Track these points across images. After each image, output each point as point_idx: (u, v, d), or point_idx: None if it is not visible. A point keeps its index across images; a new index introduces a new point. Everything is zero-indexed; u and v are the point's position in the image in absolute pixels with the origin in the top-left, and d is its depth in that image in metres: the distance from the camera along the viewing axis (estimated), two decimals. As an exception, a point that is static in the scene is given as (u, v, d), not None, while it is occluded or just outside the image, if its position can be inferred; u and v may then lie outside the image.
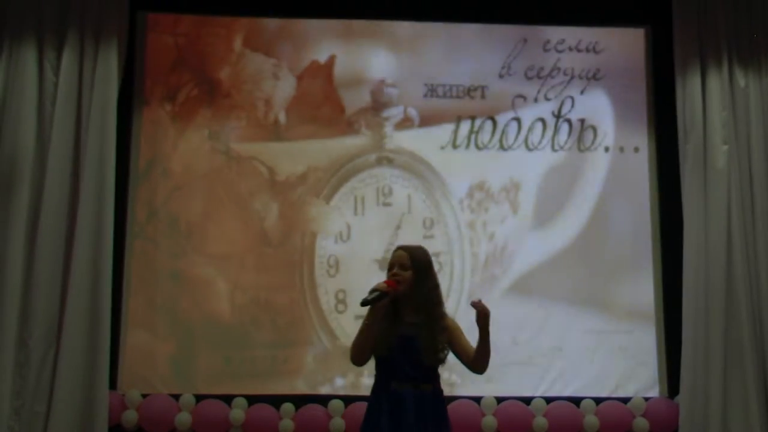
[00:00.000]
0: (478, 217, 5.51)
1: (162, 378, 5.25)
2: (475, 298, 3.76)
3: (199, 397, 5.16)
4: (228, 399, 5.15)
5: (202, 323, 5.32)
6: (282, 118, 5.53)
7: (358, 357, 3.79)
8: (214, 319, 5.33)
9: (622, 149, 5.63)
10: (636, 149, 5.63)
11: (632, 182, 5.61)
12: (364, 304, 3.66)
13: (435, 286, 3.89)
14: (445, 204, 5.52)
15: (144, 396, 5.16)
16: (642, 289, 5.47)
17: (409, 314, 3.81)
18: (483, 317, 3.68)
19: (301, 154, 5.51)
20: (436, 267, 5.23)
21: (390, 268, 3.85)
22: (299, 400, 5.12)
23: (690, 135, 5.37)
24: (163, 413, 5.10)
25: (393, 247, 5.16)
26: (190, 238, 5.41)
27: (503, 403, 5.20)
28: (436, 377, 3.86)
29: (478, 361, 3.80)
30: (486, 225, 5.51)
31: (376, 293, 3.67)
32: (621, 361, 5.37)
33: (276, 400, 5.13)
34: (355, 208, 5.49)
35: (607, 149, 5.62)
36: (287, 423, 5.08)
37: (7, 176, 5.11)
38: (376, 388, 3.84)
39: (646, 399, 5.27)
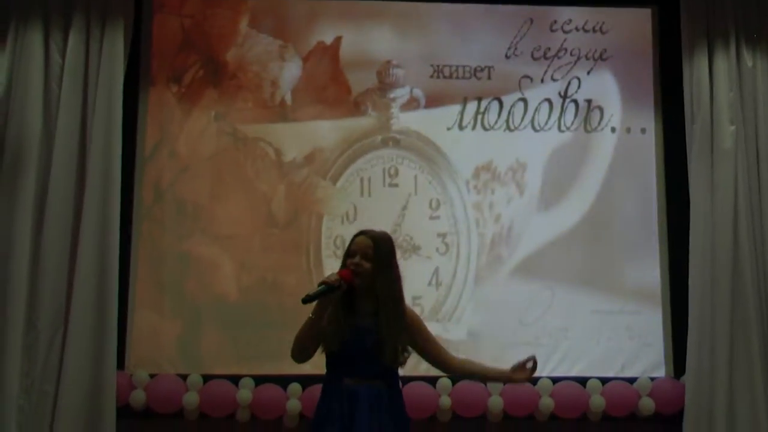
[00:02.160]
0: (484, 198, 5.51)
1: (169, 358, 5.27)
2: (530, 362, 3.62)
3: (206, 377, 5.17)
4: (235, 379, 5.17)
5: (209, 304, 5.33)
6: (288, 99, 5.53)
7: (300, 354, 3.50)
8: (221, 300, 5.35)
9: (628, 130, 5.62)
10: (643, 130, 5.62)
11: (639, 163, 5.60)
12: (307, 301, 3.38)
13: (397, 278, 3.60)
14: (452, 185, 5.52)
15: (151, 376, 5.17)
16: (648, 269, 5.47)
17: (365, 305, 3.56)
18: (524, 377, 3.59)
19: (307, 136, 5.50)
20: (442, 248, 5.42)
21: (350, 255, 3.55)
22: (306, 380, 5.11)
23: (697, 115, 5.35)
24: (171, 393, 5.12)
25: (399, 228, 5.43)
26: (196, 219, 5.41)
27: (509, 384, 5.14)
28: (394, 374, 3.60)
29: (459, 372, 3.68)
30: (492, 206, 5.50)
31: (323, 287, 3.39)
32: (627, 341, 5.38)
33: (283, 380, 5.15)
34: (362, 189, 5.48)
35: (613, 130, 5.61)
36: (294, 403, 5.10)
37: (15, 157, 5.11)
38: (326, 384, 3.57)
39: (652, 379, 5.28)
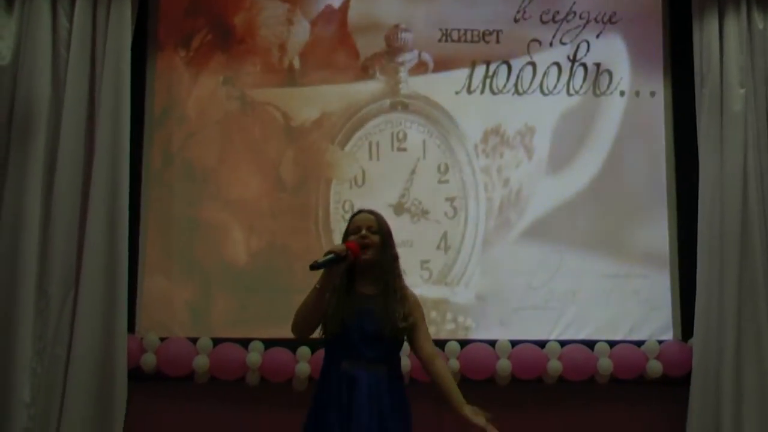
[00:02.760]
0: (492, 161, 5.49)
1: (179, 322, 5.30)
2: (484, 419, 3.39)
3: (216, 341, 5.19)
4: (245, 342, 5.19)
5: (219, 268, 5.35)
6: (296, 63, 5.51)
7: (302, 328, 3.48)
8: (231, 264, 5.36)
9: (637, 93, 5.59)
10: (652, 93, 5.59)
11: (648, 126, 5.57)
12: (314, 267, 3.35)
13: (397, 257, 3.65)
14: (460, 149, 5.50)
15: (162, 340, 5.20)
16: (657, 233, 5.46)
17: (365, 286, 3.56)
18: (479, 422, 3.38)
19: (315, 100, 5.48)
20: (450, 212, 5.42)
21: (355, 231, 3.57)
22: (315, 344, 5.10)
23: (707, 78, 5.32)
24: (181, 356, 5.15)
25: (407, 193, 5.43)
26: (205, 184, 5.42)
27: (518, 347, 5.21)
28: (395, 359, 3.57)
29: (431, 374, 3.55)
30: (501, 170, 5.49)
31: (331, 256, 3.38)
32: (635, 304, 5.38)
33: (292, 344, 5.16)
34: (370, 154, 5.47)
35: (622, 93, 5.58)
36: (303, 366, 5.12)
37: (24, 122, 5.11)
38: (325, 367, 3.55)
39: (660, 342, 5.28)
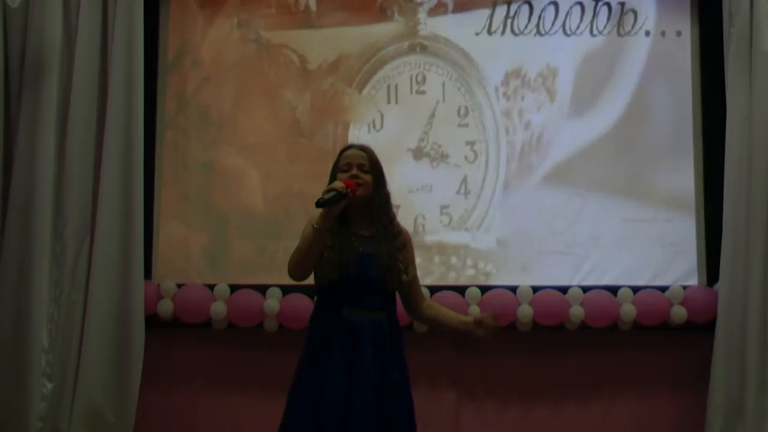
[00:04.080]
0: (513, 104, 5.37)
1: (196, 269, 5.27)
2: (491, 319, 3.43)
3: (233, 287, 5.15)
4: (263, 289, 5.15)
5: (235, 214, 5.31)
6: (312, 4, 5.39)
7: (299, 269, 3.32)
8: (247, 210, 5.31)
9: (663, 33, 5.42)
10: (678, 33, 5.42)
11: (674, 67, 5.41)
12: (321, 204, 3.21)
13: (389, 196, 3.50)
14: (480, 92, 5.39)
15: (179, 286, 5.17)
16: (682, 176, 5.33)
17: (361, 228, 3.41)
18: (484, 334, 3.39)
19: (332, 42, 5.38)
20: (471, 156, 5.33)
21: (345, 169, 3.40)
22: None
23: (735, 17, 5.14)
24: (199, 303, 5.11)
25: (426, 137, 5.34)
26: (221, 128, 5.35)
27: (539, 293, 5.14)
28: (393, 307, 3.45)
29: (423, 313, 3.52)
30: (522, 113, 5.37)
31: (333, 194, 3.23)
32: (659, 249, 5.28)
33: (310, 290, 4.96)
34: (388, 97, 5.37)
35: (647, 33, 5.42)
36: (322, 312, 5.07)
37: (35, 67, 5.04)
38: (320, 313, 3.42)
39: (685, 287, 5.19)
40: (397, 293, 3.53)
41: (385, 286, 3.40)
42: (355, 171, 3.39)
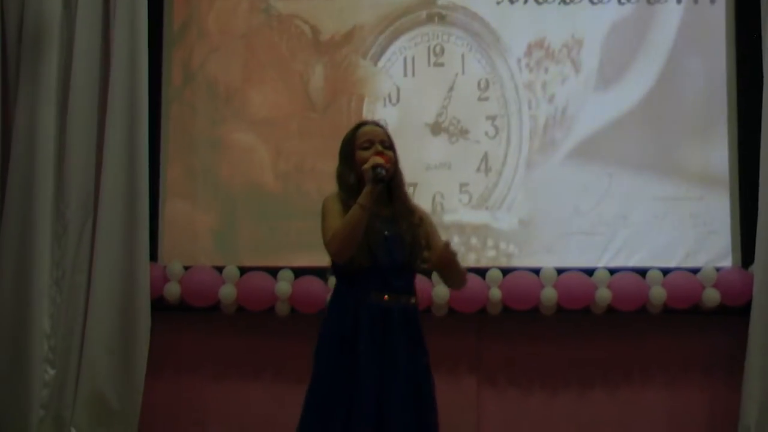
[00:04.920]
0: (537, 77, 5.17)
1: (204, 250, 5.15)
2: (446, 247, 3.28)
3: (243, 270, 5.02)
4: (274, 271, 5.00)
5: (245, 192, 5.18)
6: (325, -29, 5.23)
7: (347, 250, 3.18)
8: (257, 187, 5.17)
9: (696, 0, 5.19)
10: (712, 0, 5.18)
11: (707, 36, 5.18)
12: (381, 180, 3.17)
13: (401, 173, 3.42)
14: (502, 64, 5.19)
15: (186, 268, 5.04)
16: (715, 151, 5.12)
17: (379, 207, 3.28)
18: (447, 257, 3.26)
19: (346, 12, 5.23)
20: (491, 132, 5.13)
21: (367, 146, 3.31)
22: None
23: (774, -18, 4.93)
24: (207, 286, 4.98)
25: (445, 111, 5.13)
26: (229, 102, 5.22)
27: (564, 275, 4.96)
28: (415, 288, 3.38)
29: (454, 280, 3.44)
30: (545, 85, 5.17)
31: (380, 170, 3.17)
32: (691, 229, 5.08)
33: (323, 273, 4.88)
34: (405, 69, 5.20)
35: (679, 1, 5.18)
36: (336, 295, 4.91)
37: (34, 39, 4.93)
38: (344, 301, 3.31)
39: (718, 269, 4.98)
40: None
41: (411, 267, 3.35)
42: (379, 147, 3.31)
